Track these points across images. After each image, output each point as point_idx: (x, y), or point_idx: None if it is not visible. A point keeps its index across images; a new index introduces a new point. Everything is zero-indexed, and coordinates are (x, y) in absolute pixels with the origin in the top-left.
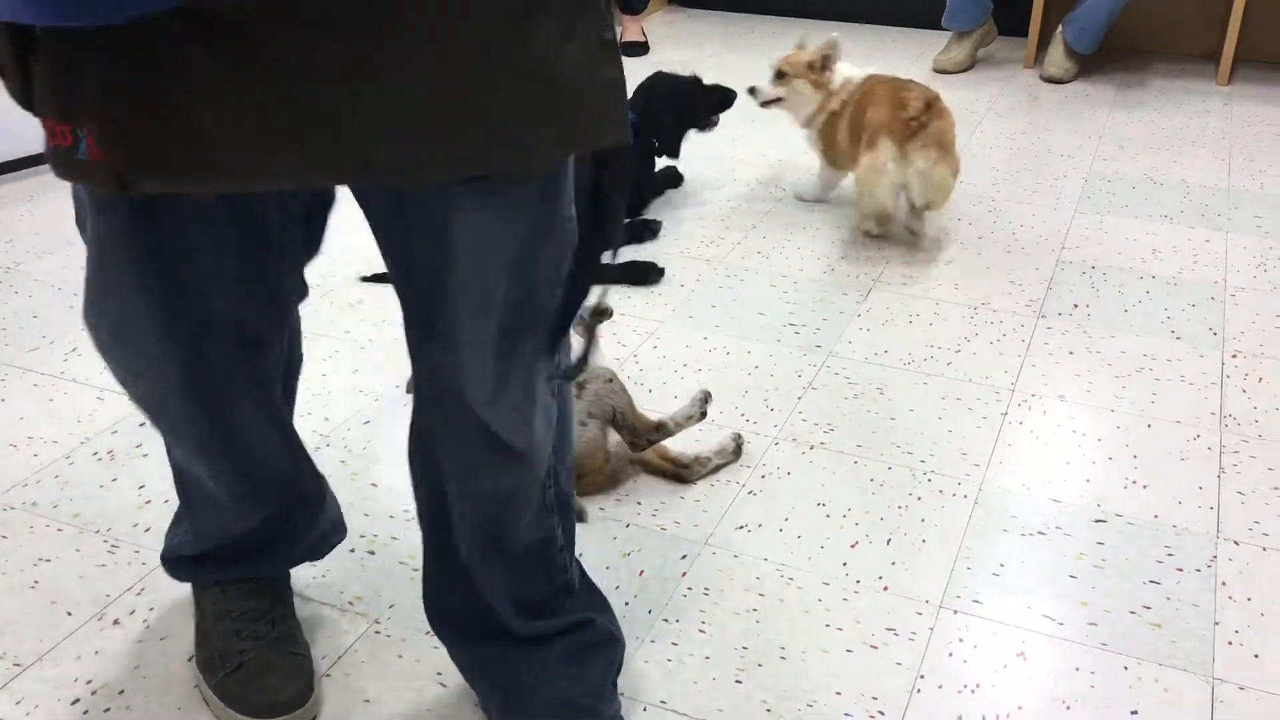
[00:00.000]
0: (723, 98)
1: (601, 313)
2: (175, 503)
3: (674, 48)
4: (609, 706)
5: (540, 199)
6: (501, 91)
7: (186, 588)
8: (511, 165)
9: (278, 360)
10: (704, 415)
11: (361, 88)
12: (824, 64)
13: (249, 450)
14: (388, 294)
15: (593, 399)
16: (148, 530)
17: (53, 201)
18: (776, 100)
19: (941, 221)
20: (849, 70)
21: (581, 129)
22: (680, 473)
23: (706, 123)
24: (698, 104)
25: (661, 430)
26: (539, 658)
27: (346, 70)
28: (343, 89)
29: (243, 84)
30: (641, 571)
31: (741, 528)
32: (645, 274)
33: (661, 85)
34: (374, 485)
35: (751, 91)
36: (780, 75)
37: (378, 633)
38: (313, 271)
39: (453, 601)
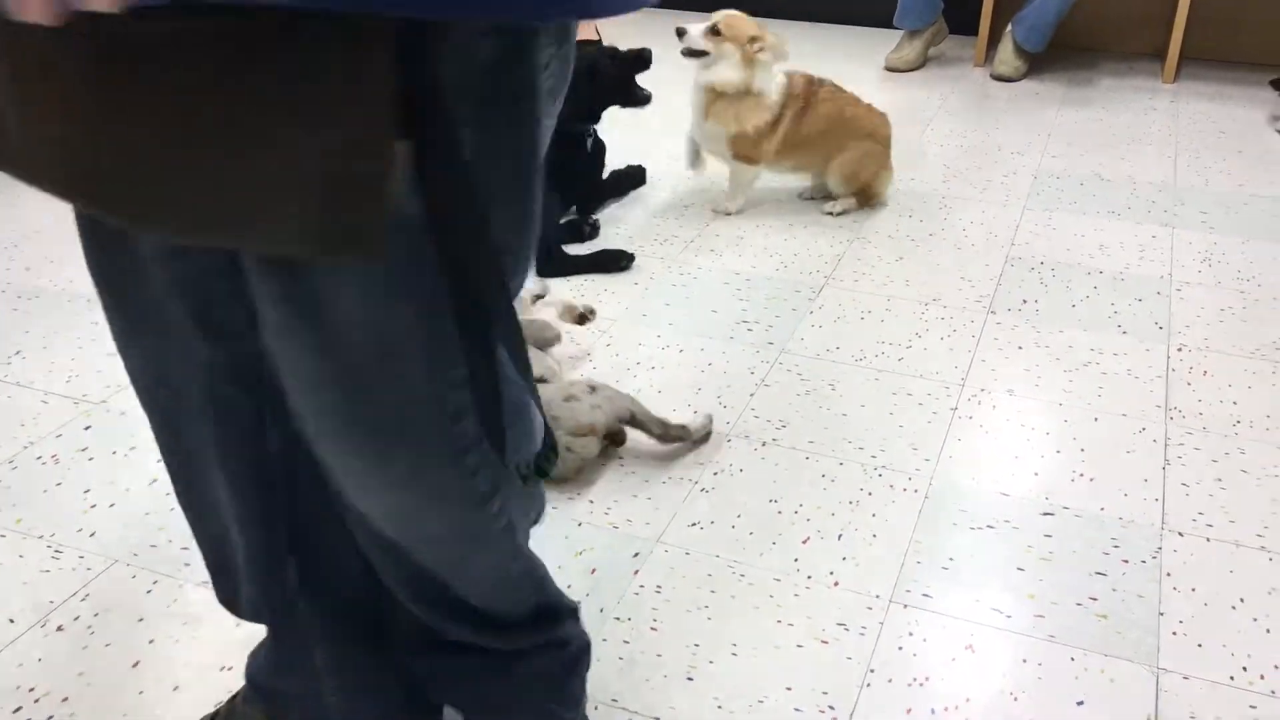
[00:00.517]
0: (636, 59)
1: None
2: (121, 506)
3: (624, 42)
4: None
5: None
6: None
7: (132, 595)
8: (255, 246)
9: None
10: (706, 437)
11: (94, 125)
12: (759, 45)
13: None
14: None
15: (606, 401)
16: (92, 535)
17: None
18: (699, 54)
19: (894, 219)
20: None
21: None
22: (676, 432)
23: (631, 98)
24: (607, 77)
25: (684, 431)
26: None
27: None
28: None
29: (13, 88)
30: (594, 570)
31: (694, 525)
32: (615, 260)
33: None
34: None
35: (679, 33)
36: (715, 32)
37: None
38: None
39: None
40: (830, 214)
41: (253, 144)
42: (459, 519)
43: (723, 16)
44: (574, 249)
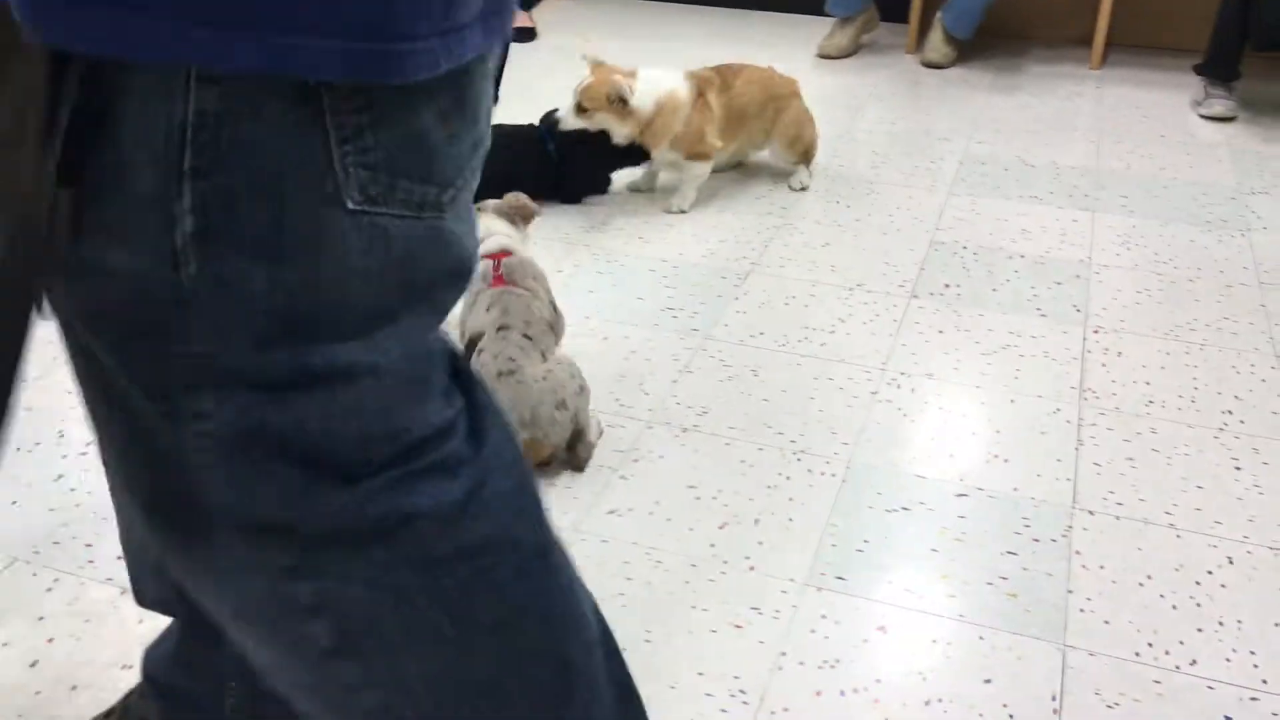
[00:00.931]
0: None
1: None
2: (23, 502)
3: (560, 35)
4: None
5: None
6: None
7: (32, 593)
8: None
9: None
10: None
11: None
12: (621, 99)
13: None
14: None
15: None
16: None
17: None
18: (586, 128)
19: (822, 204)
20: (657, 77)
21: None
22: (580, 457)
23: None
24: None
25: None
26: None
27: None
28: None
29: None
30: None
31: (612, 512)
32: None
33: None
34: None
35: (551, 120)
36: (581, 109)
37: None
38: None
39: None
40: (803, 189)
41: None
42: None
43: (582, 89)
44: None
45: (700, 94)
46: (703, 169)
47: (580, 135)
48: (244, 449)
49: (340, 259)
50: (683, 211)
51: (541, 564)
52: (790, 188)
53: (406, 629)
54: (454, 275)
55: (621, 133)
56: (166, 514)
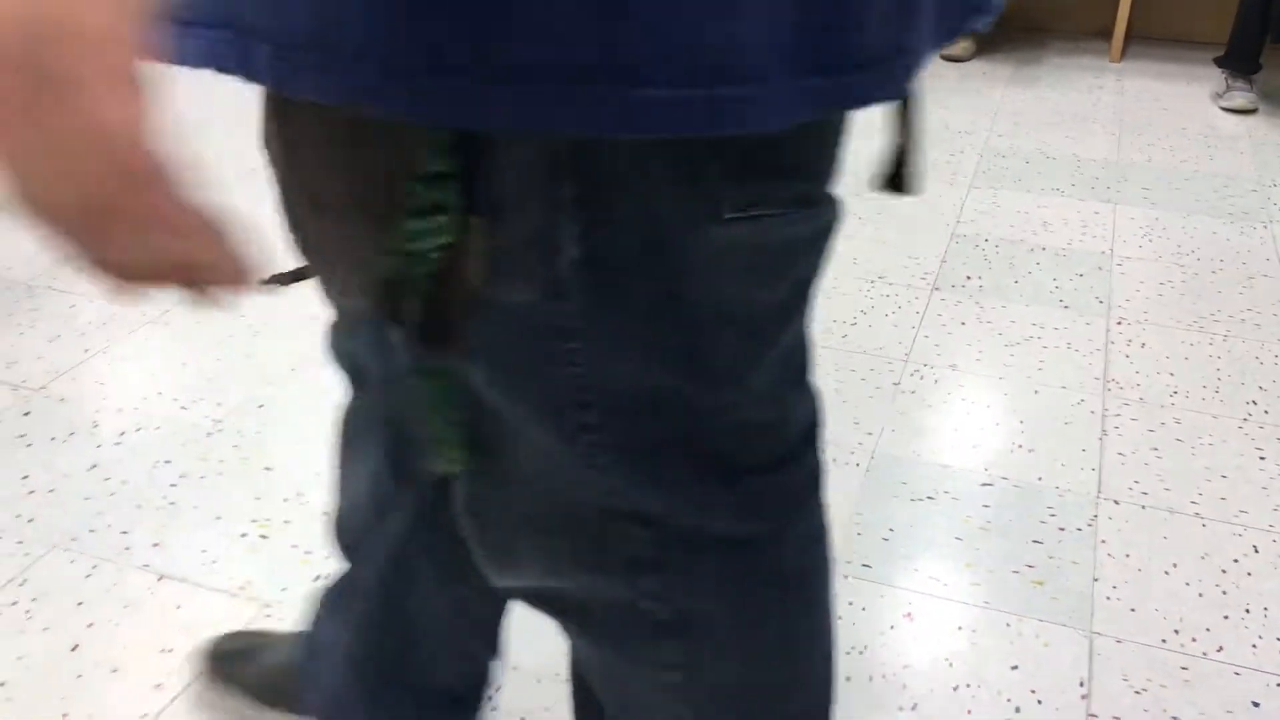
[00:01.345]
0: None
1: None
2: (60, 491)
3: None
4: None
5: None
6: None
7: (71, 579)
8: None
9: None
10: None
11: None
12: None
13: None
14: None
15: None
16: (31, 521)
17: None
18: None
19: (844, 197)
20: None
21: None
22: None
23: None
24: None
25: None
26: None
27: None
28: None
29: None
30: None
31: None
32: None
33: None
34: (267, 470)
35: None
36: None
37: (268, 617)
38: None
39: None
40: None
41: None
42: None
43: None
44: None
45: None
46: None
47: None
48: (632, 456)
49: (721, 268)
50: None
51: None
52: None
53: (738, 629)
54: (819, 257)
55: None
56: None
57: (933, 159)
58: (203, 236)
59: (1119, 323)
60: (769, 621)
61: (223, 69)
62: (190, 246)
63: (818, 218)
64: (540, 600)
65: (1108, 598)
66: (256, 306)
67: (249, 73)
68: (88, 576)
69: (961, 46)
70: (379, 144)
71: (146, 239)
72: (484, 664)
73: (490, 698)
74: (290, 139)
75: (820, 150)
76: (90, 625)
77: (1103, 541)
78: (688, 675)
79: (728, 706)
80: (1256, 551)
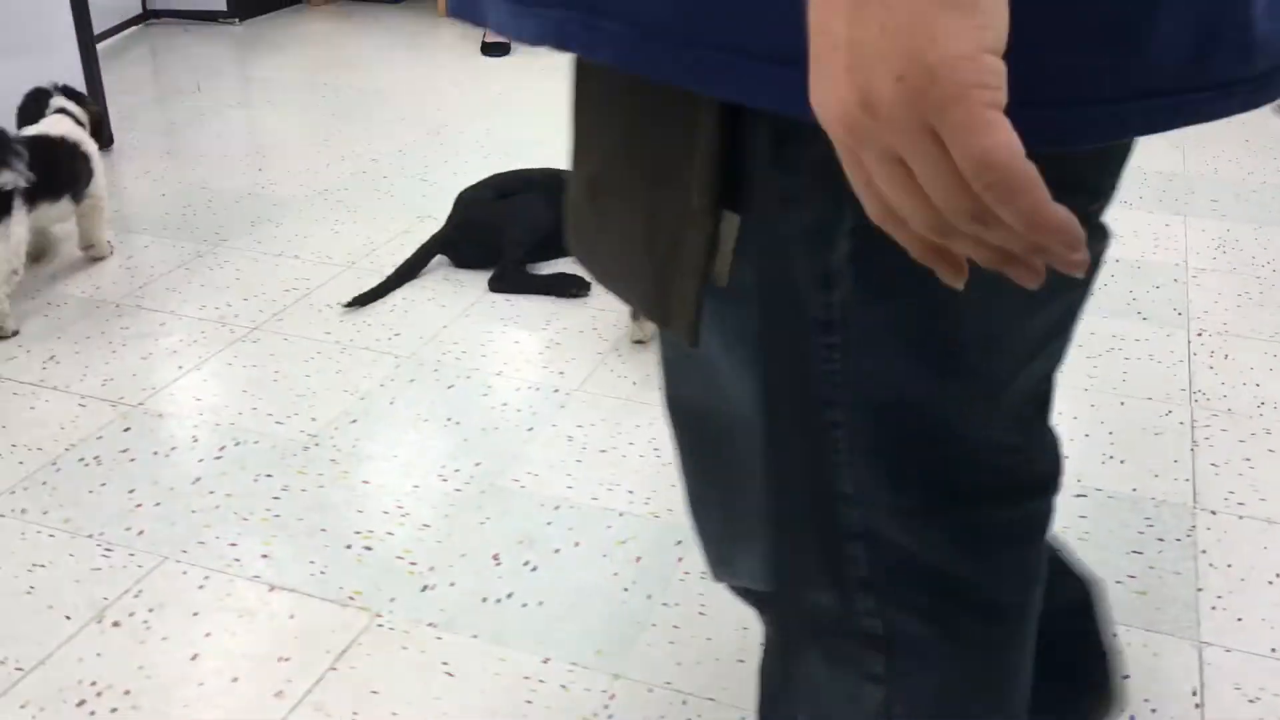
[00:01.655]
0: None
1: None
2: (166, 505)
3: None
4: None
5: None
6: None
7: (185, 590)
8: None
9: None
10: None
11: None
12: None
13: None
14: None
15: None
16: (140, 533)
17: None
18: None
19: None
20: None
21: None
22: None
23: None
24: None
25: None
26: None
27: None
28: None
29: None
30: (639, 558)
31: None
32: (568, 286)
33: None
34: (365, 482)
35: None
36: None
37: (380, 626)
38: (287, 274)
39: None
40: None
41: (615, 197)
42: None
43: None
44: (550, 266)
45: None
46: None
47: None
48: (869, 458)
49: (987, 277)
50: None
51: None
52: None
53: (946, 654)
54: (1085, 282)
55: None
56: (788, 513)
57: None
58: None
59: (1199, 334)
60: (975, 652)
61: (563, 46)
62: (1015, 242)
63: (1089, 239)
64: (752, 598)
65: (1213, 607)
66: (342, 324)
67: (589, 49)
68: (200, 587)
69: None
70: (669, 124)
71: (979, 223)
72: None
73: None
74: (589, 120)
75: (1103, 169)
76: (208, 635)
77: (1203, 552)
78: (889, 691)
79: None
80: None
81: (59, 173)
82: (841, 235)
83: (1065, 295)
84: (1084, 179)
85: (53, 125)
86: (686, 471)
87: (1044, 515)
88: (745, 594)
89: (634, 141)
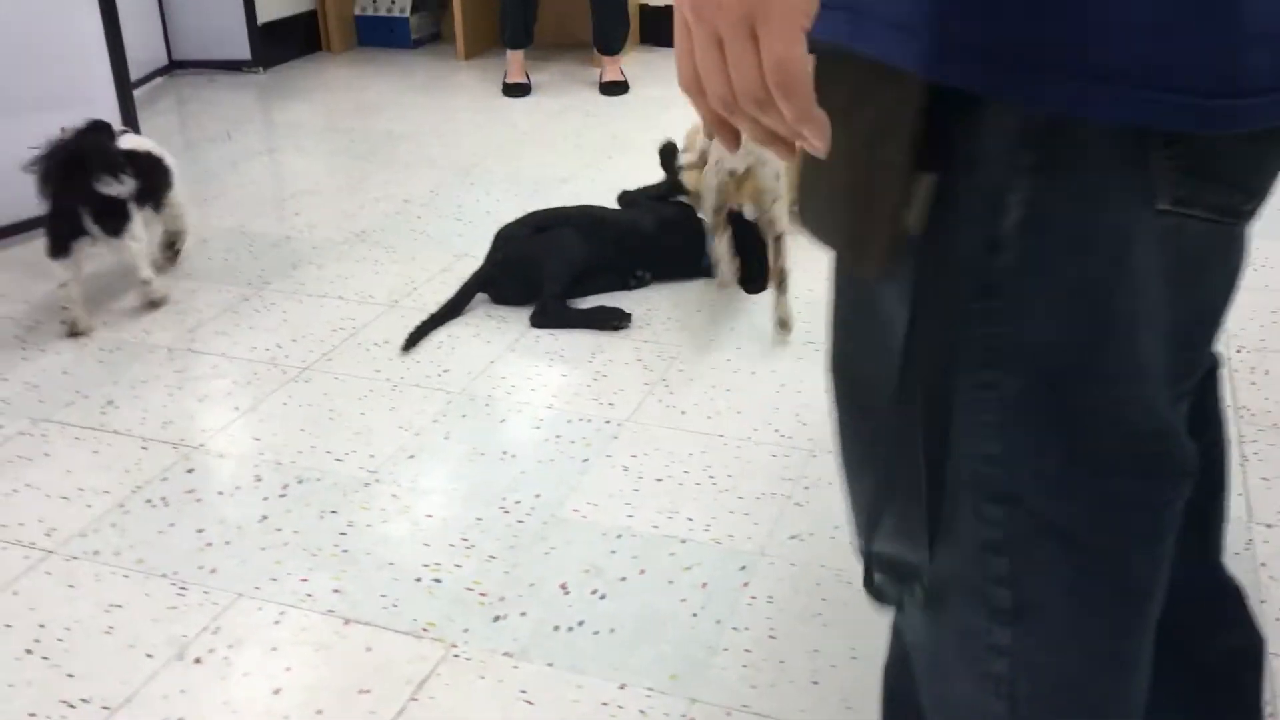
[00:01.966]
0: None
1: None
2: (235, 543)
3: (651, 84)
4: None
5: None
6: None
7: (262, 626)
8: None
9: None
10: None
11: None
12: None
13: None
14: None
15: None
16: (213, 572)
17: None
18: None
19: None
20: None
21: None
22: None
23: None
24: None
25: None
26: None
27: None
28: None
29: None
30: (704, 584)
31: (794, 537)
32: (608, 319)
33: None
34: (429, 516)
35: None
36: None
37: (456, 656)
38: (332, 315)
39: None
40: None
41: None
42: None
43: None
44: (588, 300)
45: None
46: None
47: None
48: (1017, 420)
49: (1141, 258)
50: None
51: None
52: None
53: (1074, 628)
54: (1229, 280)
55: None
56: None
57: None
58: (799, 126)
59: (1238, 351)
60: (1101, 628)
61: (833, 39)
62: (781, 127)
63: (1234, 235)
64: (887, 567)
65: (1277, 619)
66: (391, 363)
67: (860, 42)
68: (276, 623)
69: None
70: (882, 93)
71: (759, 108)
72: None
73: None
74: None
75: (1257, 163)
76: (288, 669)
77: (1262, 565)
78: (1014, 664)
79: (1043, 708)
80: None
81: (149, 182)
82: (1014, 204)
83: (1201, 287)
84: (1234, 174)
85: (133, 141)
86: (842, 434)
87: (1177, 504)
88: (882, 563)
89: (854, 109)
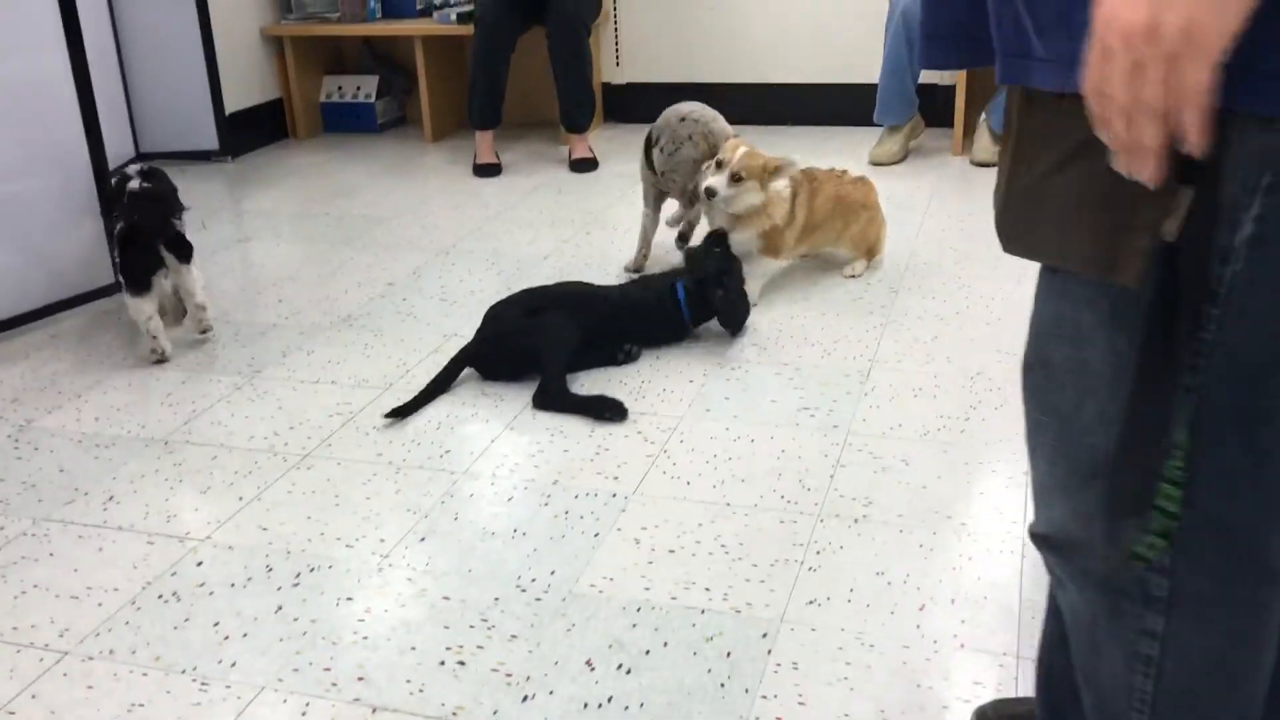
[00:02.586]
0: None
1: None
2: (253, 635)
3: (619, 160)
4: None
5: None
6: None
7: (288, 717)
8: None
9: None
10: None
11: None
12: (776, 172)
13: None
14: (414, 416)
15: None
16: (233, 665)
17: (50, 357)
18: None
19: (919, 300)
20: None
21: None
22: None
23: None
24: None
25: None
26: None
27: None
28: None
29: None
30: (728, 653)
31: (811, 602)
32: (604, 409)
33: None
34: (445, 598)
35: (709, 194)
36: (736, 178)
37: None
38: (327, 400)
39: None
40: (852, 276)
41: (1075, 180)
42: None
43: (738, 161)
44: (579, 375)
45: (795, 195)
46: (772, 266)
47: (723, 267)
48: (1220, 412)
49: None
50: (753, 305)
51: None
52: (843, 274)
53: (1223, 614)
54: None
55: (751, 203)
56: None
57: (994, 259)
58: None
59: None
60: (1246, 611)
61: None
62: (1157, 140)
63: None
64: (1052, 547)
65: None
66: (392, 445)
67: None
68: (303, 714)
69: (990, 152)
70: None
71: (1148, 117)
72: None
73: None
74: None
75: None
76: None
77: None
78: (1163, 647)
79: (1188, 693)
80: None
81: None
82: (1248, 220)
83: None
84: None
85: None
86: (1029, 427)
87: None
88: (1048, 544)
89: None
